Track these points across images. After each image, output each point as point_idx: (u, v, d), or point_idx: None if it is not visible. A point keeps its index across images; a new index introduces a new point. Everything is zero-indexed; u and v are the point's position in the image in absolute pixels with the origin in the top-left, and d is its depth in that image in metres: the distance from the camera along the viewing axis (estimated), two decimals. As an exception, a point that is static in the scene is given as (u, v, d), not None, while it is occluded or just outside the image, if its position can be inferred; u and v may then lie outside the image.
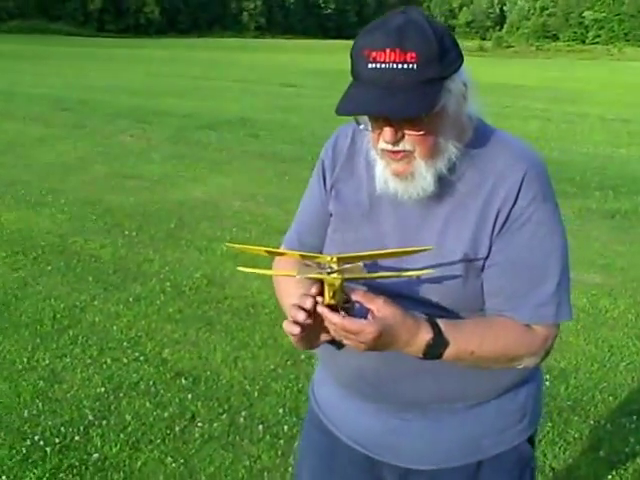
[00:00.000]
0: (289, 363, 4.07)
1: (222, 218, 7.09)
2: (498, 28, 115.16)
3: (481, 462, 1.62)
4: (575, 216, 7.52)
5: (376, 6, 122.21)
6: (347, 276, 1.33)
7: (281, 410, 3.58)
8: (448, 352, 1.42)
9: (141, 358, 4.10)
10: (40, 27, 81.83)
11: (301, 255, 1.37)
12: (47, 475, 3.04)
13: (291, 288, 1.57)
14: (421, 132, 1.38)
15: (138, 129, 12.67)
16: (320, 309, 1.36)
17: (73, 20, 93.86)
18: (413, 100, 1.31)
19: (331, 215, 1.64)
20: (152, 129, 12.78)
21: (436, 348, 1.42)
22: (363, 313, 1.38)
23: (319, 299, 1.37)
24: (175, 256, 5.90)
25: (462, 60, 1.39)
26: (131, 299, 4.94)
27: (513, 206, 1.45)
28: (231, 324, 4.63)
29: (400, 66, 1.29)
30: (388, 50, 1.29)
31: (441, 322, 1.43)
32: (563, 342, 4.41)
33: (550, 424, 3.51)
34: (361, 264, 1.36)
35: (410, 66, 1.29)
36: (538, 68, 43.57)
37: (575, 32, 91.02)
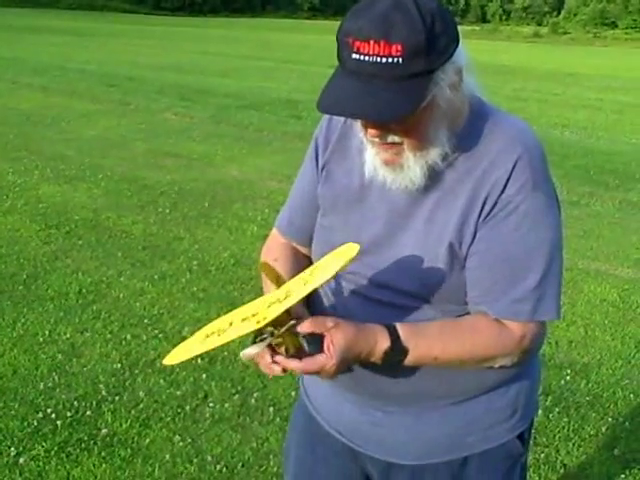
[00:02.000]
0: (307, 347, 4.05)
1: (256, 198, 7.08)
2: (555, 14, 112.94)
3: (467, 458, 1.58)
4: (615, 209, 7.35)
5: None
6: (283, 330, 1.32)
7: (293, 393, 3.55)
8: (408, 359, 1.39)
9: (160, 335, 4.12)
10: (98, 4, 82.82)
11: (230, 340, 1.32)
12: (55, 448, 3.07)
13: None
14: (407, 127, 1.32)
15: (182, 107, 12.74)
16: (279, 361, 1.35)
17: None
18: (395, 100, 1.24)
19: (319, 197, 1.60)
20: (195, 107, 12.84)
21: (394, 356, 1.38)
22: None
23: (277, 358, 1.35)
24: (205, 235, 5.91)
25: (457, 44, 1.29)
26: (157, 276, 4.96)
27: (501, 193, 1.38)
28: (253, 305, 4.62)
29: (384, 60, 1.21)
30: (372, 42, 1.21)
31: (401, 328, 1.39)
32: (588, 337, 4.32)
33: (566, 419, 3.44)
34: (292, 321, 1.33)
35: (395, 60, 1.21)
36: (594, 56, 42.65)
37: (635, 20, 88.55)
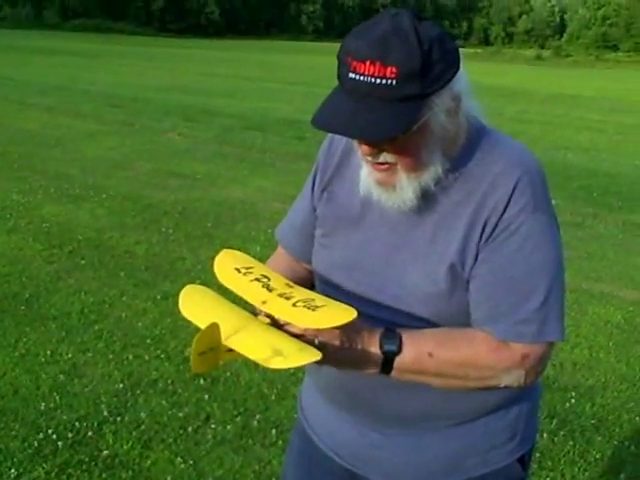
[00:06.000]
0: (310, 368, 4.03)
1: (259, 219, 7.08)
2: (557, 37, 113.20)
3: None
4: (619, 230, 7.35)
5: (433, 10, 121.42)
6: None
7: (296, 415, 3.52)
8: (404, 353, 1.36)
9: (162, 356, 4.10)
10: (104, 26, 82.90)
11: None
12: (56, 470, 3.05)
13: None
14: (399, 149, 1.33)
15: (186, 127, 12.78)
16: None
17: (136, 19, 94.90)
18: (385, 121, 1.26)
19: (317, 218, 1.60)
20: (199, 128, 12.88)
21: (389, 341, 1.36)
22: None
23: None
24: (208, 255, 5.88)
25: (455, 71, 1.31)
26: (159, 296, 4.95)
27: (502, 215, 1.38)
28: (256, 326, 4.60)
29: (379, 81, 1.24)
30: (368, 62, 1.25)
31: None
32: (593, 359, 4.30)
33: (572, 443, 3.41)
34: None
35: (389, 82, 1.24)
36: (596, 79, 42.71)
37: (637, 43, 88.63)
